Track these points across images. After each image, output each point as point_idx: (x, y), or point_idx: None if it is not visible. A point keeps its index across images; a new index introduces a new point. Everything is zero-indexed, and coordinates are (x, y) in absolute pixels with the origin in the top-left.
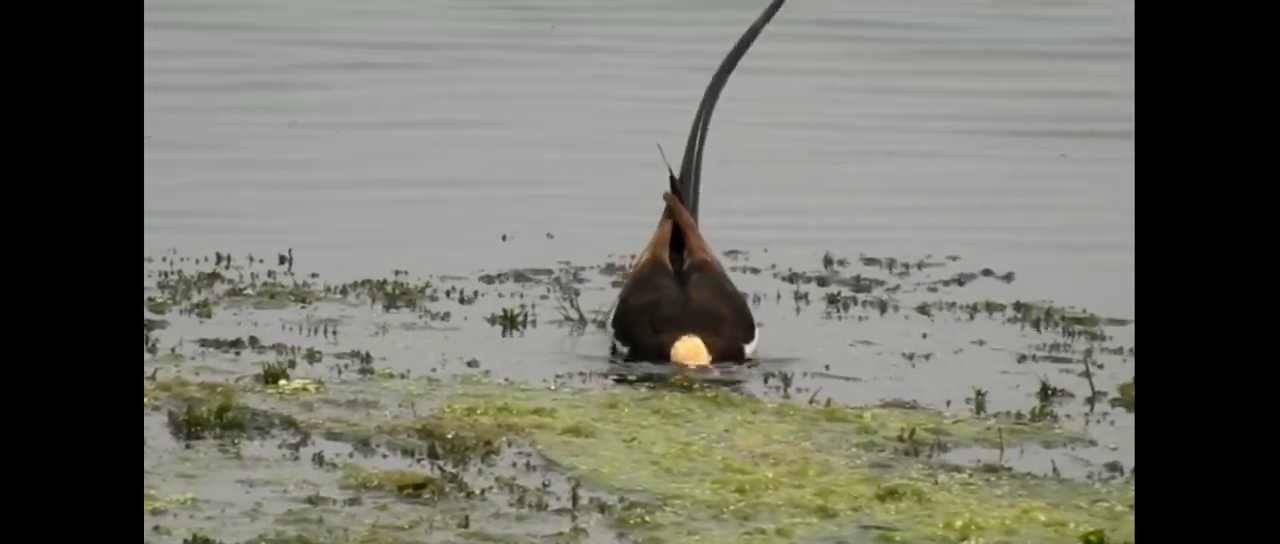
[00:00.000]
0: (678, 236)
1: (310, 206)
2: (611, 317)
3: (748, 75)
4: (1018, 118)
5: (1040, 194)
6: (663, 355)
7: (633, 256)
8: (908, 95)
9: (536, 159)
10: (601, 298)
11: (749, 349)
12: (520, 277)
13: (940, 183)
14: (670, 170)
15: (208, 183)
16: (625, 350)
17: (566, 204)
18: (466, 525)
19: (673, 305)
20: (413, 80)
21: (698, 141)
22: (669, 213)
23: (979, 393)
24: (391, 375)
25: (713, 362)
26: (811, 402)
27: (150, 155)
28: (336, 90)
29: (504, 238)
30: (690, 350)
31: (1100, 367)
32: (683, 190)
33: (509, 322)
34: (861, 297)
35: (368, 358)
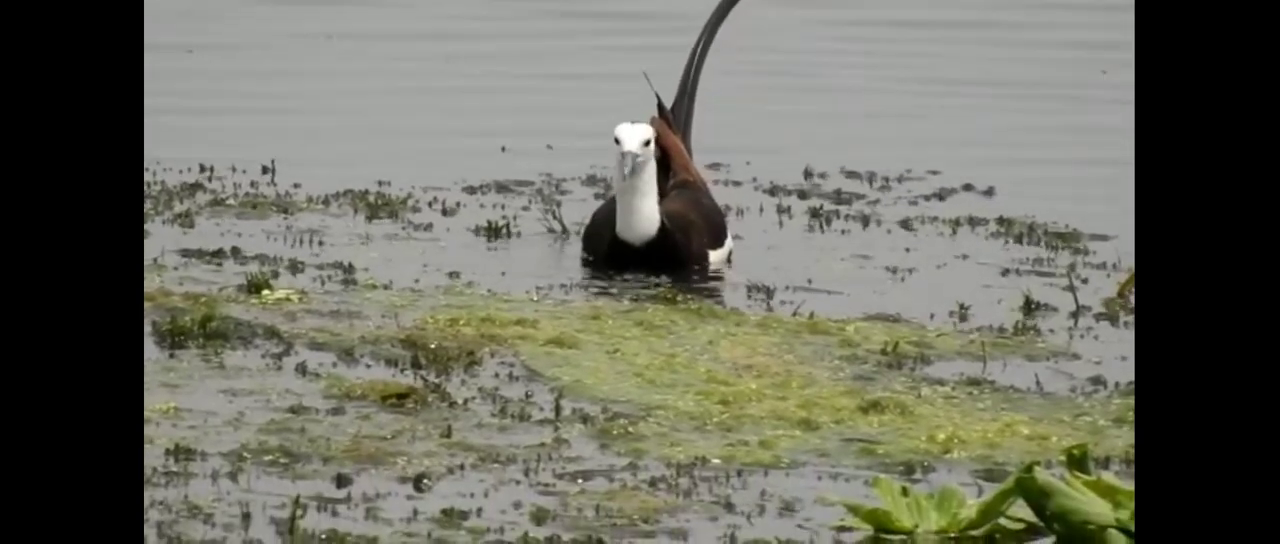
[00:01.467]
0: (665, 160)
1: (293, 115)
2: (584, 230)
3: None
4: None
5: (1023, 109)
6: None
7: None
8: (890, 8)
9: (524, 72)
10: (584, 209)
11: (715, 256)
12: (503, 188)
13: (920, 96)
14: (657, 96)
15: (198, 87)
16: (588, 257)
17: (551, 116)
18: (449, 435)
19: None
20: None
21: (695, 66)
22: (655, 136)
23: (962, 306)
24: (374, 286)
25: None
26: (795, 314)
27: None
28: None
29: (503, 149)
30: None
31: (1084, 281)
32: (676, 114)
33: (492, 232)
34: (843, 210)
35: (351, 269)
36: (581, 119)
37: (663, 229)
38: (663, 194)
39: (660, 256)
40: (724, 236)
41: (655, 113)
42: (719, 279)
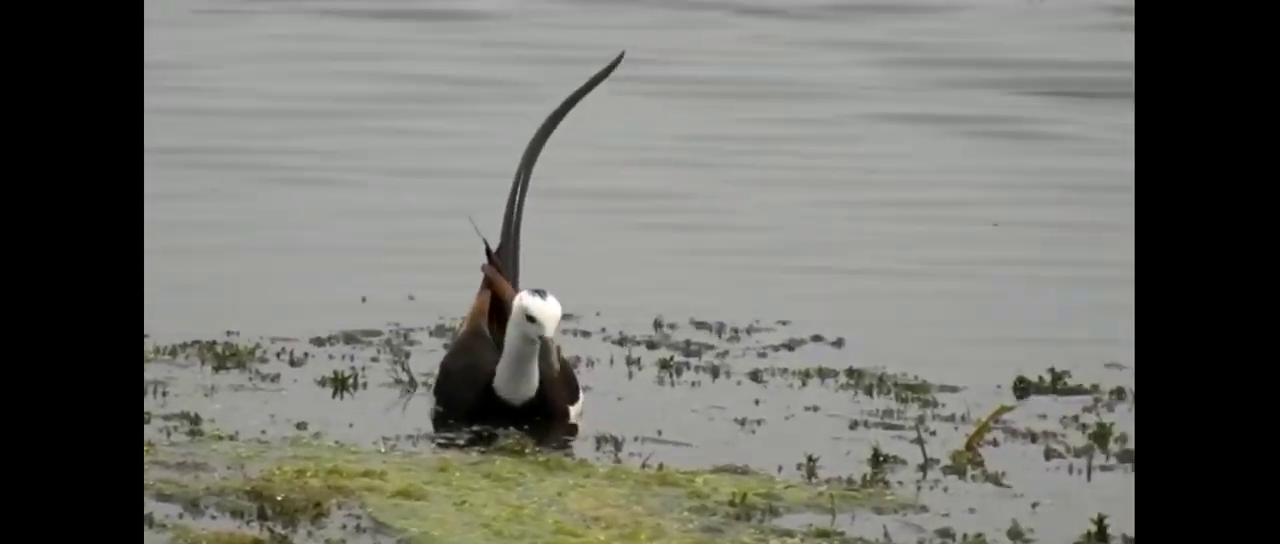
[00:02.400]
0: (499, 306)
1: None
2: (434, 383)
3: (563, 145)
4: (845, 171)
5: (873, 257)
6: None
7: (461, 321)
8: (731, 153)
9: (371, 224)
10: (432, 360)
11: (574, 411)
12: (350, 339)
13: (767, 247)
14: (485, 242)
15: None
16: (444, 412)
17: (397, 268)
18: None
19: (494, 366)
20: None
21: (516, 210)
22: (487, 283)
23: (811, 458)
24: (221, 437)
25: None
26: (644, 466)
27: None
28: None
29: (363, 299)
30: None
31: (932, 433)
32: (502, 260)
33: (339, 383)
34: (693, 361)
35: (197, 419)
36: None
37: (540, 389)
38: (499, 344)
39: (535, 414)
40: (578, 390)
41: (485, 259)
42: (569, 431)
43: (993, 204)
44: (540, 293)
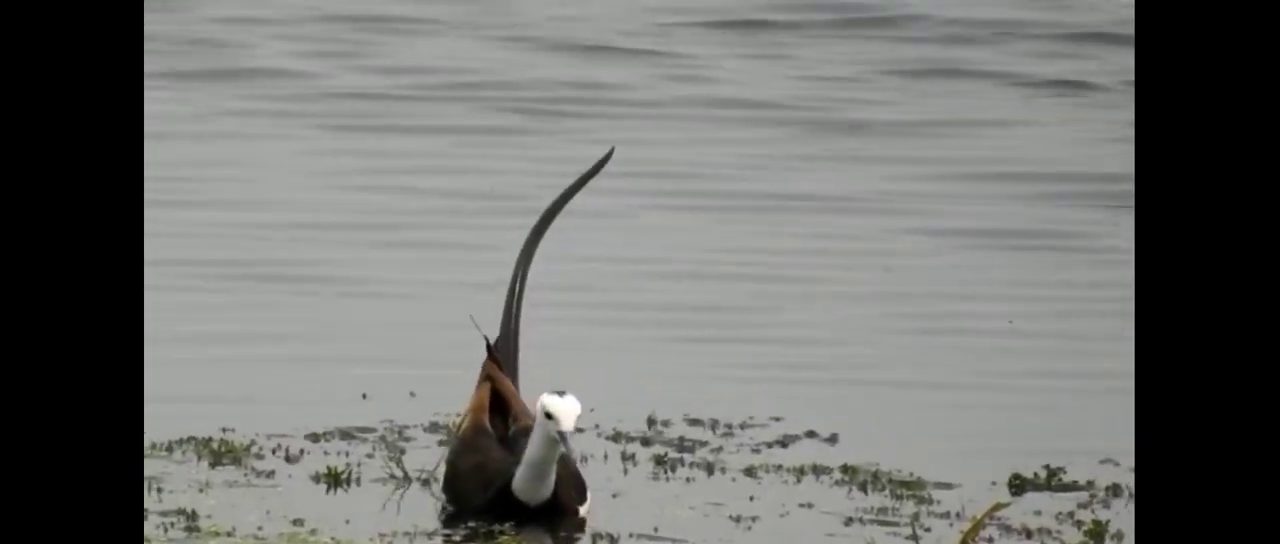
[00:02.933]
0: (499, 401)
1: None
2: (442, 480)
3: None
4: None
5: (868, 356)
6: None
7: (457, 416)
8: (711, 248)
9: (362, 319)
10: (427, 456)
11: (583, 510)
12: (346, 434)
13: (758, 339)
14: (485, 338)
15: None
16: (456, 511)
17: (393, 364)
18: None
19: (503, 463)
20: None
21: (514, 307)
22: (486, 377)
23: None
24: (217, 533)
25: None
26: None
27: None
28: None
29: (364, 396)
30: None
31: (927, 530)
32: (502, 353)
33: (334, 479)
34: (687, 457)
35: (194, 515)
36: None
37: (555, 492)
38: (503, 439)
39: (549, 514)
40: (585, 488)
41: (486, 355)
42: (566, 528)
43: (1018, 314)
44: (560, 393)
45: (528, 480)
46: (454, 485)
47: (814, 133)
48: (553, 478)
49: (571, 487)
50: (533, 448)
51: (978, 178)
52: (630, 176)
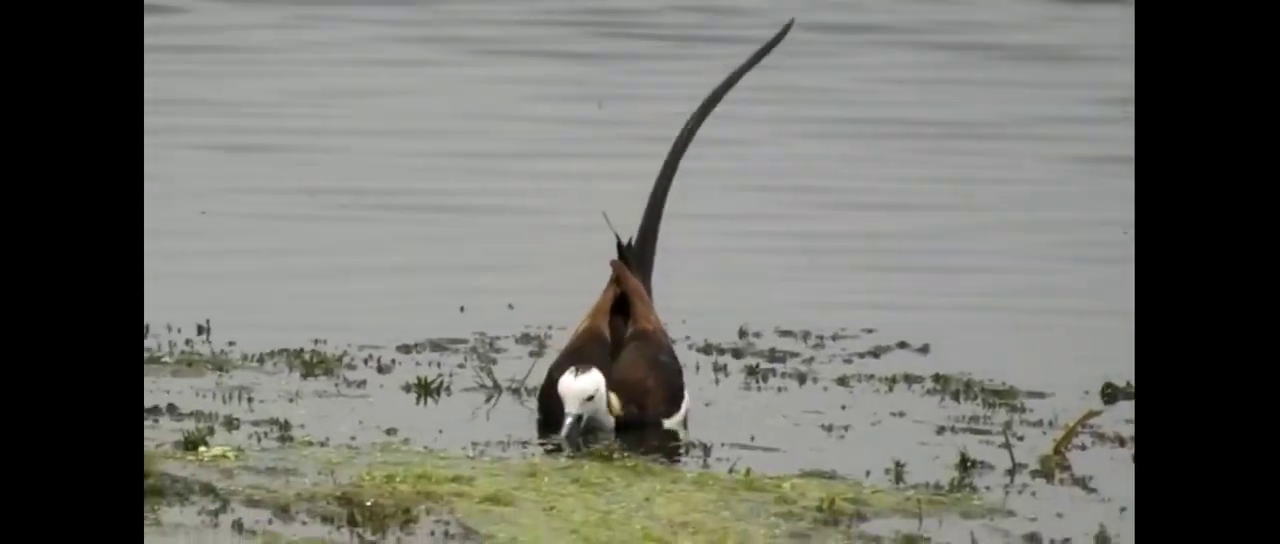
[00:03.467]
0: (624, 304)
1: (229, 275)
2: (538, 390)
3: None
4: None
5: (957, 261)
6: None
7: (548, 327)
8: (819, 159)
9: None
10: (517, 367)
11: (671, 422)
12: (436, 346)
13: (853, 251)
14: (617, 236)
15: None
16: (544, 423)
17: (488, 273)
18: None
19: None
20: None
21: (657, 205)
22: (615, 280)
23: (898, 464)
24: (310, 443)
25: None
26: (731, 471)
27: None
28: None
29: (462, 309)
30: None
31: (1020, 438)
32: (641, 254)
33: (425, 390)
34: (779, 368)
35: (286, 425)
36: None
37: (617, 424)
38: (620, 342)
39: (627, 429)
40: (681, 400)
41: (615, 255)
42: (657, 437)
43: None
44: (579, 370)
45: (574, 437)
46: (544, 395)
47: (958, 57)
48: (605, 427)
49: (661, 399)
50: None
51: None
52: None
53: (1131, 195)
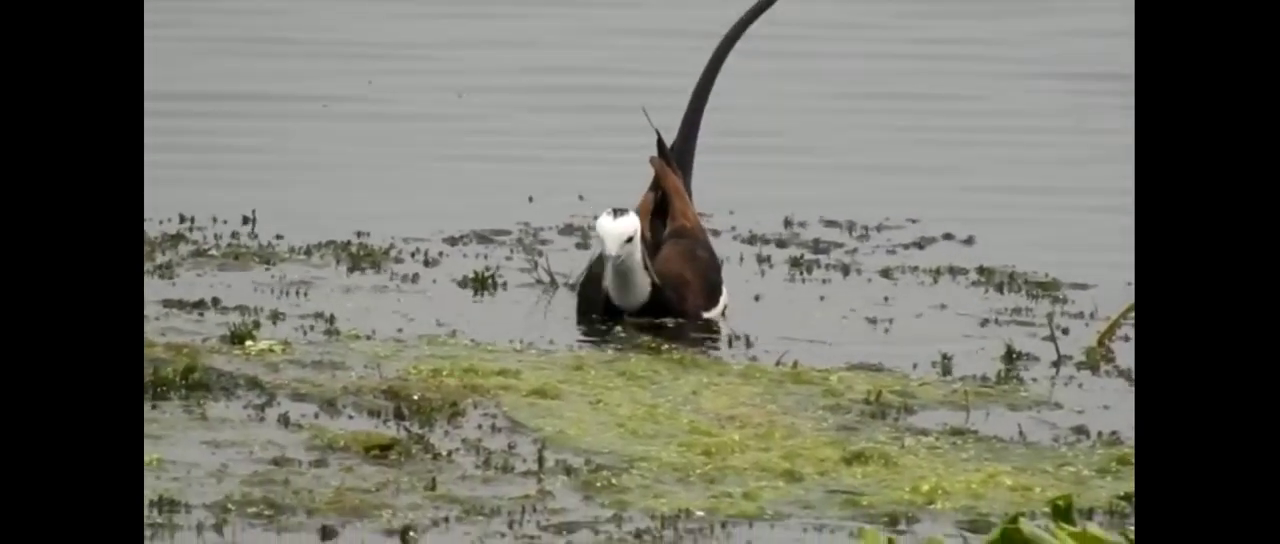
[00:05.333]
0: (665, 203)
1: (274, 166)
2: (578, 289)
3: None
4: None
5: (1003, 158)
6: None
7: (596, 217)
8: (861, 53)
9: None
10: (564, 259)
11: (710, 315)
12: (483, 238)
13: (897, 146)
14: (657, 133)
15: (178, 138)
16: (580, 313)
17: (531, 164)
18: (433, 487)
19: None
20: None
21: (700, 103)
22: (656, 180)
23: (944, 356)
24: (357, 336)
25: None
26: (778, 364)
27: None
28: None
29: (530, 199)
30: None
31: (1065, 331)
32: (683, 152)
33: (479, 283)
34: (823, 259)
35: (333, 319)
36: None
37: (655, 292)
38: (658, 241)
39: (655, 314)
40: (719, 294)
41: (655, 152)
42: (703, 329)
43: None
44: (618, 212)
45: (614, 290)
46: (583, 288)
47: None
48: (641, 284)
49: (699, 292)
50: (607, 265)
51: None
52: None
53: None
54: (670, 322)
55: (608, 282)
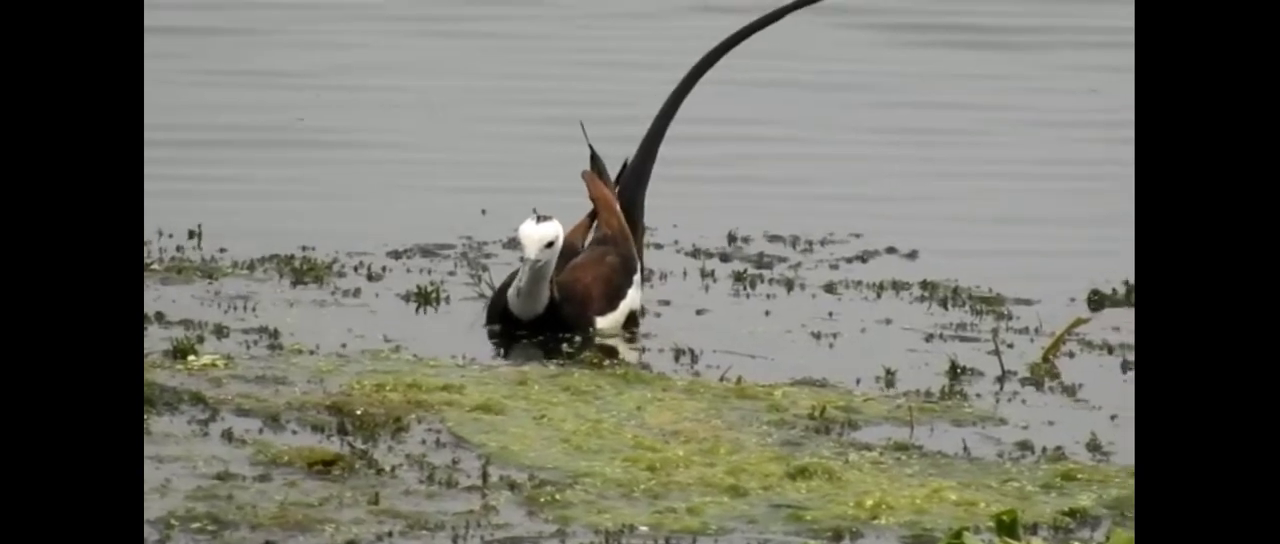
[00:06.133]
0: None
1: (220, 180)
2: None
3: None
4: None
5: (946, 173)
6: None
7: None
8: (811, 63)
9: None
10: (507, 273)
11: (603, 323)
12: (427, 252)
13: (840, 158)
14: (591, 147)
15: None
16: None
17: (479, 173)
18: (377, 502)
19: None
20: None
21: (662, 125)
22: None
23: (888, 371)
24: (300, 351)
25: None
26: (722, 379)
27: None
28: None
29: (483, 211)
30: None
31: (1009, 346)
32: (640, 170)
33: (423, 298)
34: (767, 274)
35: (276, 334)
36: (510, 176)
37: (551, 305)
38: (578, 251)
39: (547, 327)
40: (619, 300)
41: (588, 165)
42: (647, 343)
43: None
44: (541, 217)
45: (513, 297)
46: (494, 297)
47: None
48: (541, 298)
49: (597, 298)
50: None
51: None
52: None
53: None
54: (625, 334)
55: (515, 287)
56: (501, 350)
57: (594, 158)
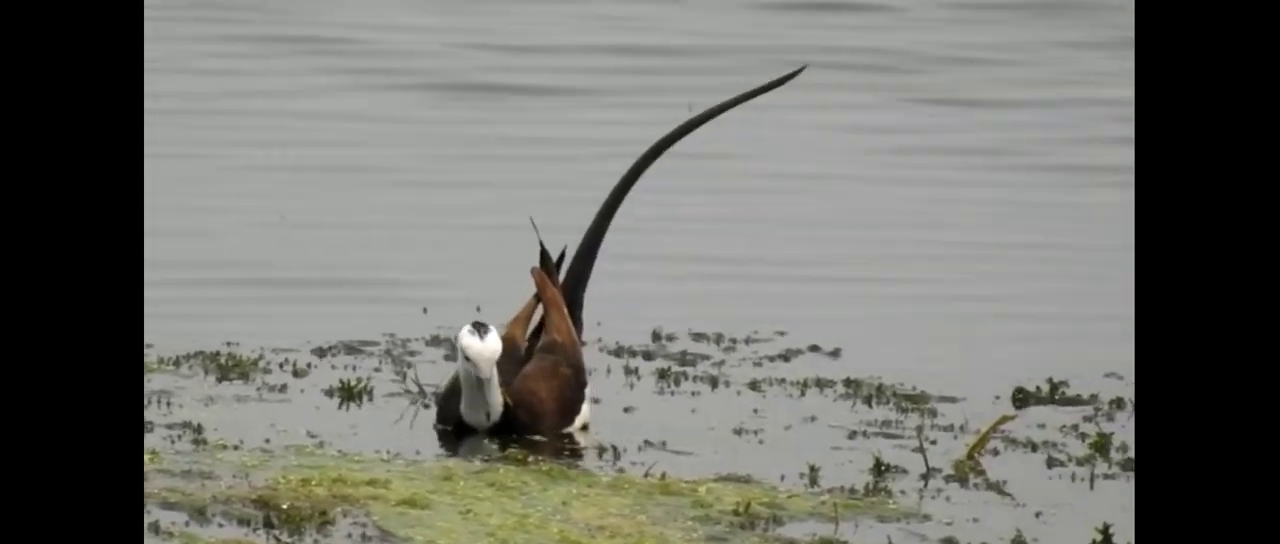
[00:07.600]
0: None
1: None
2: (439, 398)
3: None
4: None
5: (867, 274)
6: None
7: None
8: (737, 172)
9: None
10: (433, 371)
11: (571, 428)
12: (351, 349)
13: (763, 256)
14: (541, 244)
15: None
16: (447, 428)
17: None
18: None
19: (509, 379)
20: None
21: (604, 222)
22: (538, 291)
23: (812, 468)
24: (225, 446)
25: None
26: (647, 475)
27: None
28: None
29: (425, 310)
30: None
31: (933, 443)
32: (579, 270)
33: (346, 393)
34: (691, 371)
35: (201, 429)
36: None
37: (506, 412)
38: (530, 354)
39: (505, 432)
40: (575, 412)
41: (537, 262)
42: (571, 441)
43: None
44: (480, 328)
45: (465, 406)
46: (445, 401)
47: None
48: (495, 404)
49: (553, 411)
50: (460, 376)
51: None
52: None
53: (1042, 204)
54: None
55: (465, 399)
56: (425, 445)
57: (544, 254)
